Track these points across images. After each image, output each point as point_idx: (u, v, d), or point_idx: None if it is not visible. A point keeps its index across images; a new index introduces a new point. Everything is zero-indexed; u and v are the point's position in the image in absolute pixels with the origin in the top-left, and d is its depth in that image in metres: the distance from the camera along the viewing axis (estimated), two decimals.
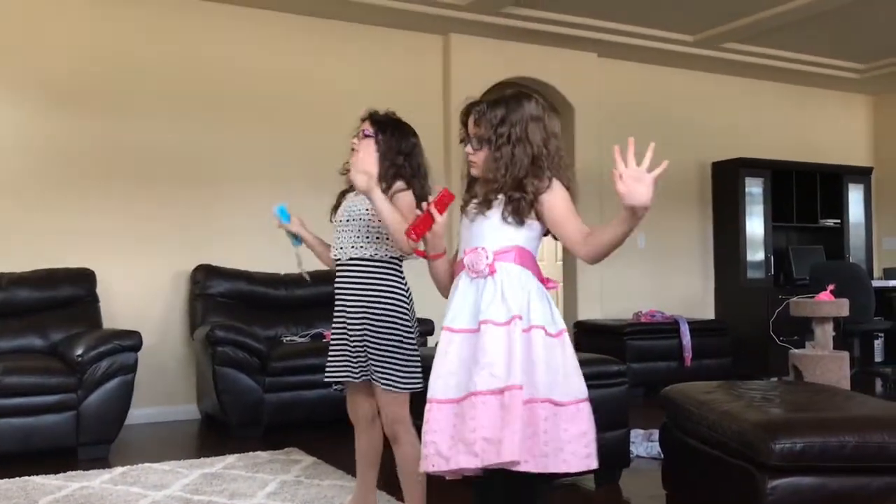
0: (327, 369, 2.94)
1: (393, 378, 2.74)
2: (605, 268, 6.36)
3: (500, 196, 2.14)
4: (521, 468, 2.01)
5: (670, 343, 6.37)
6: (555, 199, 2.14)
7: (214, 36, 5.64)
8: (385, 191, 2.67)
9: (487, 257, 2.12)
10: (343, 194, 2.98)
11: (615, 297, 7.09)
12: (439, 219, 2.18)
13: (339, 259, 2.86)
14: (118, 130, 5.32)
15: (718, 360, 6.55)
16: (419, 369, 2.78)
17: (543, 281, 2.18)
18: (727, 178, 7.58)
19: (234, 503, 3.38)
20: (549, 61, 6.76)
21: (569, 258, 7.02)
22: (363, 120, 2.88)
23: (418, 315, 4.77)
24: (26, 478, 3.79)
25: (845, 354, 4.62)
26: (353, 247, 2.80)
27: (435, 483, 2.44)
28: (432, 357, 2.20)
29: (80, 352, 4.28)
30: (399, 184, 2.74)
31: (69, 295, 4.91)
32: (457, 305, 2.16)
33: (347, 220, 2.84)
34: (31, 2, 5.14)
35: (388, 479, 3.24)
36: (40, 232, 5.08)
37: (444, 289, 2.30)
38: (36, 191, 5.11)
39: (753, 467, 2.58)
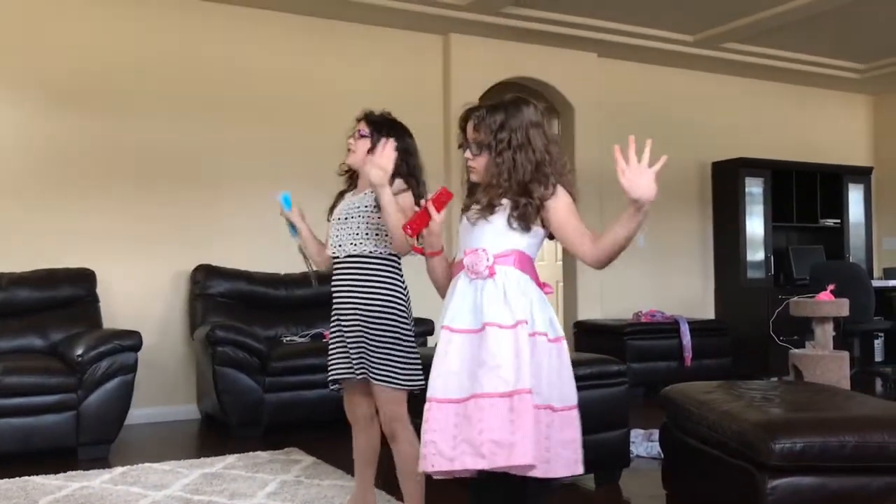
0: (329, 370, 2.94)
1: (391, 374, 2.74)
2: (606, 268, 6.35)
3: (505, 201, 2.14)
4: (534, 473, 2.02)
5: (670, 343, 6.37)
6: (560, 204, 2.15)
7: (214, 36, 5.64)
8: None
9: (488, 259, 2.13)
10: (341, 194, 2.98)
11: (615, 297, 7.09)
12: (436, 217, 2.18)
13: (336, 256, 2.86)
14: (118, 130, 5.32)
15: (718, 360, 6.56)
16: (419, 367, 2.78)
17: (541, 285, 2.19)
18: (727, 178, 7.58)
19: (234, 503, 3.38)
20: (549, 61, 6.76)
21: (568, 258, 7.02)
22: (359, 120, 2.89)
23: (419, 315, 4.80)
24: (26, 478, 3.79)
25: (845, 354, 4.62)
26: (352, 244, 2.80)
27: (433, 482, 2.44)
28: (432, 356, 2.20)
29: (80, 352, 4.28)
30: (398, 183, 2.74)
31: (69, 295, 4.91)
32: (456, 305, 2.16)
33: (346, 218, 2.84)
34: (31, 2, 5.14)
35: (387, 479, 3.24)
36: (40, 232, 5.08)
37: (442, 288, 2.31)
38: (36, 191, 5.11)
39: (753, 467, 2.58)
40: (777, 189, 7.71)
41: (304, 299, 5.57)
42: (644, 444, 4.24)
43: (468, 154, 2.23)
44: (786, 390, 3.24)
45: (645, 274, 7.30)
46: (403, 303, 2.80)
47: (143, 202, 5.37)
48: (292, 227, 2.98)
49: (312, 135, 5.83)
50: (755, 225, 7.57)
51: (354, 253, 2.80)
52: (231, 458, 4.15)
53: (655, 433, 3.93)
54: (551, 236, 2.22)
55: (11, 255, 4.96)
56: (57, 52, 5.19)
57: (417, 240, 2.32)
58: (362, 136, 2.84)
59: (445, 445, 2.06)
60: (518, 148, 2.15)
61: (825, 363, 4.51)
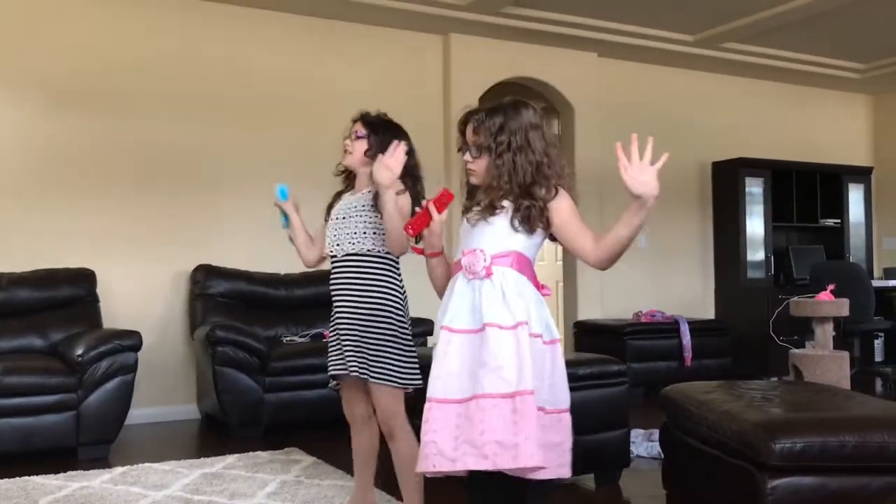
0: (328, 368, 2.95)
1: (387, 372, 2.74)
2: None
3: (506, 203, 2.15)
4: (522, 475, 2.02)
5: (670, 343, 6.37)
6: (562, 205, 2.16)
7: (214, 36, 5.64)
8: None
9: (485, 260, 2.13)
10: (339, 195, 2.99)
11: (615, 297, 7.09)
12: (437, 217, 2.19)
13: (334, 256, 2.87)
14: (118, 130, 5.32)
15: (718, 360, 6.56)
16: (416, 366, 2.79)
17: (539, 287, 2.19)
18: (727, 178, 7.58)
19: (234, 503, 3.38)
20: (549, 61, 6.76)
21: (568, 258, 7.02)
22: (354, 121, 2.90)
23: (420, 315, 4.79)
24: (26, 478, 3.79)
25: (845, 354, 4.61)
26: (350, 242, 2.81)
27: (431, 481, 2.44)
28: (430, 356, 2.20)
29: (80, 352, 4.28)
30: (397, 183, 2.74)
31: (69, 295, 4.91)
32: (455, 305, 2.16)
33: (344, 218, 2.85)
34: (31, 2, 5.14)
35: (387, 479, 3.24)
36: (40, 232, 5.08)
37: (440, 288, 2.31)
38: (36, 191, 5.11)
39: (753, 467, 2.58)
40: (777, 189, 7.70)
41: (304, 299, 5.57)
42: (644, 444, 4.24)
43: (467, 157, 2.23)
44: (786, 390, 3.24)
45: (645, 274, 7.30)
46: (400, 301, 2.81)
47: (143, 202, 5.37)
48: (285, 217, 3.02)
49: (312, 135, 5.82)
50: (755, 225, 7.57)
51: (352, 251, 2.81)
52: (231, 458, 4.15)
53: (655, 433, 3.93)
54: (552, 238, 2.23)
55: (11, 255, 4.96)
56: (57, 52, 5.19)
57: (417, 240, 2.33)
58: (359, 138, 2.85)
59: (447, 446, 2.06)
60: (518, 150, 2.16)
61: (825, 363, 4.51)
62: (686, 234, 7.62)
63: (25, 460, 4.10)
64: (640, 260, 7.20)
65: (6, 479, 3.77)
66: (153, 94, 5.43)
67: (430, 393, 2.12)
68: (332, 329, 2.90)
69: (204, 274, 5.34)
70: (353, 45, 6.10)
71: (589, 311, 6.92)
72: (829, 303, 4.69)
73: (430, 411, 2.10)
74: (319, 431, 4.79)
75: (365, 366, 2.76)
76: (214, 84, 5.63)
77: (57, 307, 4.86)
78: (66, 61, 5.21)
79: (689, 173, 7.62)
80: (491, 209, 2.16)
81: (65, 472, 3.90)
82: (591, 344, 6.25)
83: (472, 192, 2.28)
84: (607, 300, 7.06)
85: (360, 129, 2.86)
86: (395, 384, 2.75)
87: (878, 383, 6.64)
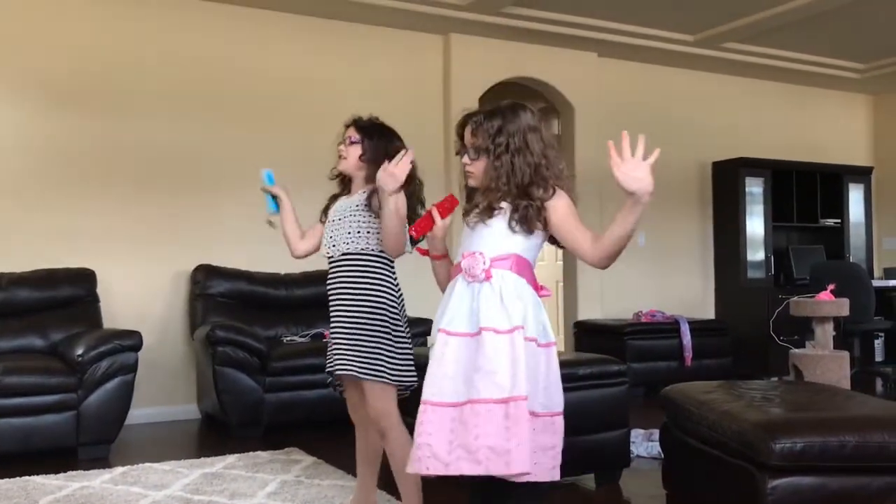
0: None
1: (377, 368, 2.74)
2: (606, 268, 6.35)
3: (504, 204, 2.15)
4: (514, 478, 2.02)
5: (670, 343, 6.37)
6: (560, 205, 2.16)
7: (214, 36, 5.64)
8: (374, 193, 2.70)
9: (484, 262, 2.13)
10: (334, 197, 3.00)
11: (615, 297, 7.09)
12: (440, 222, 2.22)
13: (331, 256, 2.89)
14: (118, 130, 5.32)
15: (718, 360, 6.56)
16: (411, 365, 2.80)
17: (538, 289, 2.19)
18: (727, 178, 7.58)
19: (234, 503, 3.38)
20: (549, 61, 6.76)
21: (569, 258, 7.02)
22: (347, 126, 2.91)
23: (419, 315, 4.79)
24: (26, 478, 3.79)
25: (845, 354, 4.61)
26: (345, 243, 2.83)
27: (429, 482, 2.44)
28: (426, 356, 2.20)
29: (80, 352, 4.28)
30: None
31: (69, 295, 4.91)
32: (453, 308, 2.16)
33: (340, 219, 2.87)
34: (31, 2, 5.14)
35: (389, 479, 3.24)
36: (40, 232, 5.08)
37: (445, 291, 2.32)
38: (36, 191, 5.11)
39: (753, 467, 2.58)
40: (777, 189, 7.70)
41: (304, 299, 5.57)
42: (644, 444, 4.24)
43: (466, 159, 2.24)
44: (786, 390, 3.24)
45: (645, 274, 7.30)
46: (394, 298, 2.82)
47: (143, 202, 5.37)
48: (273, 201, 3.01)
49: (312, 135, 5.81)
50: (755, 225, 7.57)
51: (348, 251, 2.83)
52: (231, 458, 4.15)
53: (655, 433, 3.93)
54: (552, 240, 2.23)
55: (11, 255, 4.96)
56: (57, 52, 5.19)
57: (420, 241, 2.35)
58: (352, 143, 2.87)
59: (441, 449, 2.06)
60: (516, 152, 2.16)
61: (825, 363, 4.51)
62: (686, 233, 7.62)
63: (25, 460, 4.10)
64: (640, 260, 7.21)
65: (6, 479, 3.77)
66: (153, 94, 5.43)
67: (425, 395, 2.13)
68: (332, 329, 2.91)
69: (204, 274, 5.34)
70: (353, 45, 6.10)
71: (589, 311, 6.92)
72: (829, 303, 4.69)
73: (424, 413, 2.10)
74: (319, 431, 4.79)
75: (354, 362, 2.76)
76: (214, 84, 5.63)
77: (57, 307, 4.86)
78: (66, 61, 5.21)
79: (689, 173, 7.62)
80: (489, 211, 2.16)
81: (65, 472, 3.90)
82: (592, 344, 6.25)
83: (470, 194, 2.29)
84: (607, 300, 7.06)
85: (354, 135, 2.87)
86: (386, 380, 2.75)
87: (879, 383, 6.64)
